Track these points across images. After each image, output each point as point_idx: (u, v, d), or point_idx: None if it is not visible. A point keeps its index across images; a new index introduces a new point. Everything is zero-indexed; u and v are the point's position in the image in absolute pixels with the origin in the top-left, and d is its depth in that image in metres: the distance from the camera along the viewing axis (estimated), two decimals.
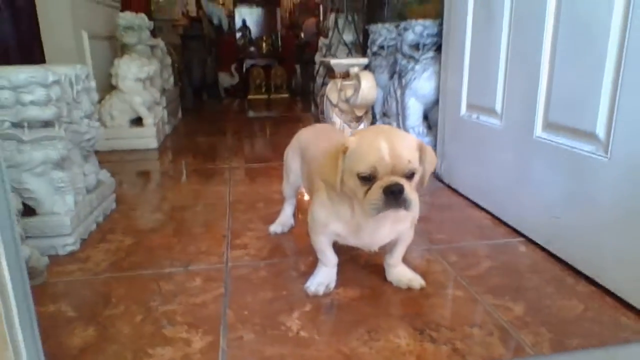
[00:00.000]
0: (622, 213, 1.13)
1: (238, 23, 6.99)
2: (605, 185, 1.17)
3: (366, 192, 0.99)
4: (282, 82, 6.33)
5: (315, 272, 1.26)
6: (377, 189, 0.97)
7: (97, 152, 2.82)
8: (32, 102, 1.33)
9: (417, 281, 1.23)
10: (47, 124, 1.40)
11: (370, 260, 1.39)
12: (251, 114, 4.93)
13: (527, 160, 1.49)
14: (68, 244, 1.46)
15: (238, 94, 6.34)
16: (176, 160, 2.79)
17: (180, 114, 4.21)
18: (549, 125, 1.39)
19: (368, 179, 0.99)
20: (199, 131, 3.76)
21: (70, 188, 1.47)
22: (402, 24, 2.28)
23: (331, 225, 1.14)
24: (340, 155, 1.02)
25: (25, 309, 0.68)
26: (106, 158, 2.73)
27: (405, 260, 1.31)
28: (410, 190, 0.98)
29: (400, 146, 0.99)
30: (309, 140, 1.39)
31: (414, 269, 1.29)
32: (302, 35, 6.82)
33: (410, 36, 2.20)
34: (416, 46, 2.21)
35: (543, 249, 1.43)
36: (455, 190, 2.01)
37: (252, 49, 6.76)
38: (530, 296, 1.18)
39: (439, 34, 2.12)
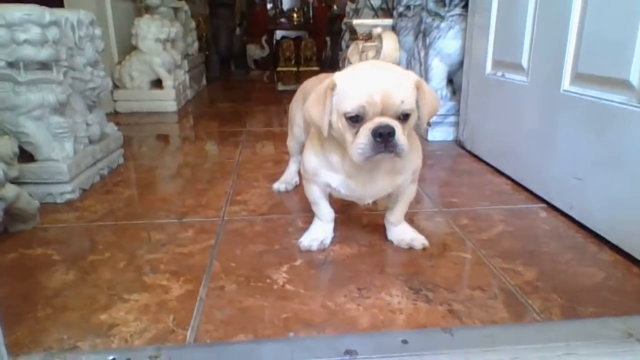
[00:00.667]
0: None
1: None
2: (636, 139, 1.03)
3: (355, 134, 0.90)
4: (312, 55, 6.20)
5: (310, 227, 1.18)
6: (364, 130, 0.88)
7: (116, 113, 2.83)
8: (27, 41, 1.29)
9: (419, 241, 1.13)
10: (44, 66, 1.36)
11: (373, 220, 1.30)
12: (280, 85, 4.86)
13: (552, 118, 1.35)
14: (66, 191, 1.43)
15: (268, 66, 6.26)
16: (193, 123, 2.75)
17: (204, 81, 4.17)
18: (577, 77, 1.25)
19: (356, 120, 0.89)
20: (222, 98, 3.71)
21: (69, 135, 1.44)
22: None
23: (322, 174, 1.06)
24: (329, 93, 0.92)
25: None
26: (124, 119, 2.72)
27: (410, 221, 1.22)
28: (402, 134, 0.88)
29: (392, 84, 0.89)
30: (311, 88, 1.30)
31: (420, 230, 1.19)
32: (335, 7, 6.64)
33: None
34: (442, 2, 2.06)
35: (566, 216, 1.30)
36: (477, 157, 1.88)
37: (283, 20, 6.63)
38: (544, 262, 1.07)
39: None
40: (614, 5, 1.11)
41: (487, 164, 1.78)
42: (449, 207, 1.40)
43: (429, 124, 2.13)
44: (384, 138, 0.87)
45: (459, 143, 2.05)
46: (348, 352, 0.75)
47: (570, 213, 1.27)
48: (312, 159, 1.06)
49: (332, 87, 0.92)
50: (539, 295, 0.94)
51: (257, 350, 0.76)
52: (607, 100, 1.13)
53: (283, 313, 0.89)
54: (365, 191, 1.05)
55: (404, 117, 0.90)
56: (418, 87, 0.93)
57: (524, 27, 1.50)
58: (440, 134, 2.14)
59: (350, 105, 0.88)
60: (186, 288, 0.98)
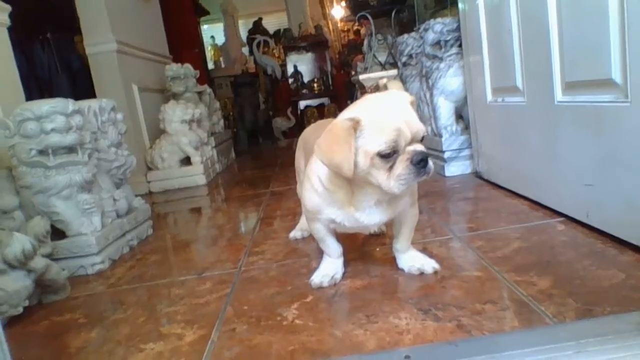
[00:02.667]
0: None
1: (290, 70, 7.26)
2: (631, 133, 1.02)
3: (389, 169, 0.92)
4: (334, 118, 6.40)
5: (320, 264, 1.19)
6: (402, 162, 0.91)
7: (150, 193, 2.99)
8: (54, 130, 1.43)
9: (429, 265, 1.12)
10: (70, 150, 1.49)
11: (385, 254, 1.30)
12: None
13: (552, 130, 1.35)
14: (96, 262, 1.51)
15: (295, 135, 6.50)
16: (221, 192, 2.86)
17: (233, 155, 4.36)
18: (567, 86, 1.26)
19: (390, 156, 0.91)
20: (249, 167, 3.86)
21: (96, 210, 1.55)
22: (422, 26, 2.23)
23: (325, 211, 1.08)
24: (352, 133, 0.91)
25: None
26: (157, 198, 2.87)
27: (424, 249, 1.22)
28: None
29: (409, 113, 0.93)
30: (309, 133, 1.37)
31: (432, 256, 1.17)
32: (352, 72, 6.94)
33: (430, 36, 2.14)
34: (438, 45, 2.14)
35: (584, 225, 1.26)
36: (495, 185, 1.86)
37: (305, 91, 6.96)
38: (561, 270, 1.03)
39: (459, 29, 2.05)
40: (585, 13, 1.15)
41: (506, 189, 1.76)
42: (464, 232, 1.38)
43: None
44: (422, 162, 0.91)
45: (477, 174, 2.04)
46: None
47: (587, 221, 1.23)
48: (314, 198, 1.09)
49: (356, 126, 0.91)
50: (553, 301, 0.90)
51: None
52: (597, 102, 1.14)
53: (290, 346, 0.89)
54: (370, 221, 1.06)
55: (422, 140, 0.94)
56: (412, 104, 0.97)
57: (513, 52, 1.55)
58: (456, 168, 2.15)
59: (384, 144, 0.89)
60: (199, 333, 1.00)
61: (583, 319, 0.81)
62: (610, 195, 1.14)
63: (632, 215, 1.07)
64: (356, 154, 0.92)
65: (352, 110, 0.95)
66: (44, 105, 1.45)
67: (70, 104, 1.49)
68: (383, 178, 0.93)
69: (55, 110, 1.45)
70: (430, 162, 0.93)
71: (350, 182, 1.00)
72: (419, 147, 0.92)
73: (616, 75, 1.05)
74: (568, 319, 0.83)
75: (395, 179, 0.92)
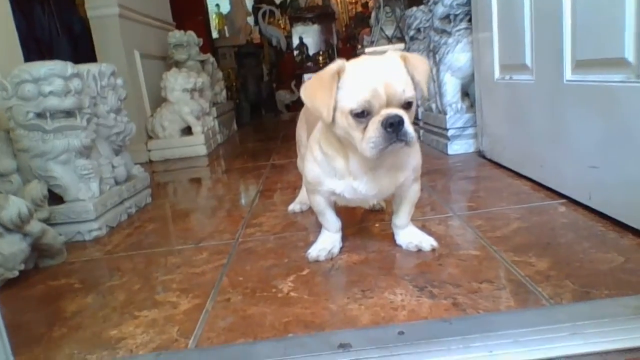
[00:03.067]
0: None
1: (295, 41, 7.14)
2: None
3: (363, 130, 0.91)
4: None
5: (318, 238, 1.19)
6: (374, 124, 0.89)
7: (151, 162, 2.98)
8: (52, 93, 1.41)
9: (427, 242, 1.11)
10: (68, 114, 1.47)
11: (383, 230, 1.29)
12: None
13: (560, 110, 1.32)
14: (93, 229, 1.51)
15: (299, 108, 6.44)
16: (221, 163, 2.85)
17: (235, 126, 4.33)
18: (577, 65, 1.23)
19: (363, 116, 0.90)
20: (251, 139, 3.84)
21: (94, 176, 1.53)
22: None
23: (325, 182, 1.07)
24: (336, 77, 0.91)
25: None
26: (158, 167, 2.86)
27: (422, 227, 1.21)
28: (409, 123, 0.89)
29: (392, 75, 0.90)
30: None
31: (431, 234, 1.17)
32: (359, 46, 6.83)
33: (440, 9, 2.09)
34: (447, 19, 2.09)
35: (586, 208, 1.24)
36: (498, 165, 1.83)
37: (309, 64, 6.85)
38: (560, 252, 1.02)
39: (469, 3, 1.99)
40: None
41: (508, 169, 1.74)
42: (463, 211, 1.37)
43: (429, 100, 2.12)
44: (394, 128, 0.88)
45: (480, 153, 2.01)
46: (342, 346, 0.74)
47: (589, 204, 1.22)
48: (315, 169, 1.08)
49: (339, 73, 0.91)
50: (550, 282, 0.89)
51: (251, 351, 0.77)
52: (607, 81, 1.10)
53: (284, 317, 0.89)
54: (369, 191, 1.04)
55: (407, 106, 0.91)
56: (404, 60, 0.94)
57: (524, 28, 1.50)
58: (460, 146, 2.12)
59: (356, 102, 0.89)
60: (194, 302, 1.00)
61: (580, 301, 0.81)
62: (614, 178, 1.12)
63: (635, 198, 1.05)
64: (335, 110, 0.92)
65: (345, 62, 0.94)
66: (42, 68, 1.42)
67: (69, 67, 1.46)
68: (358, 139, 0.92)
69: (53, 73, 1.42)
70: (408, 128, 0.89)
71: (344, 146, 0.99)
72: (394, 111, 0.88)
73: (629, 54, 1.02)
74: (565, 301, 0.82)
75: (366, 140, 0.90)
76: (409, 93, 0.91)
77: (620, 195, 1.10)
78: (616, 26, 1.05)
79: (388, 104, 0.90)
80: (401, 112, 0.89)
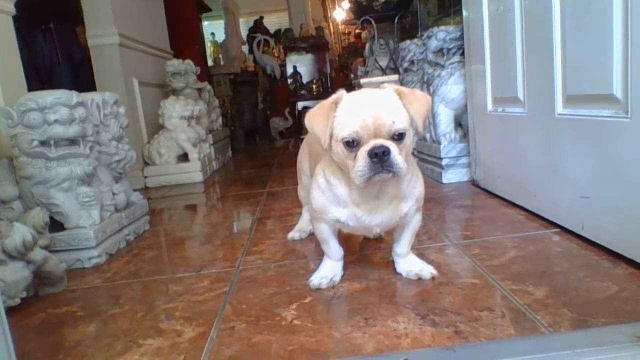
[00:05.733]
0: None
1: (289, 70, 7.27)
2: (630, 148, 1.05)
3: (354, 159, 0.95)
4: None
5: (319, 266, 1.21)
6: (361, 153, 0.93)
7: (147, 188, 2.99)
8: (57, 121, 1.43)
9: (427, 270, 1.14)
10: (72, 142, 1.49)
11: (383, 258, 1.31)
12: None
13: (552, 142, 1.37)
14: (93, 256, 1.51)
15: (292, 135, 6.50)
16: (217, 190, 2.87)
17: (230, 153, 4.36)
18: (568, 100, 1.29)
19: (353, 145, 0.94)
20: (246, 166, 3.87)
21: (95, 203, 1.55)
22: (425, 33, 2.25)
23: (330, 210, 1.09)
24: (333, 107, 0.97)
25: None
26: (154, 193, 2.87)
27: (421, 255, 1.23)
28: (398, 154, 0.93)
29: (382, 106, 0.95)
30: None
31: (430, 263, 1.19)
32: (352, 75, 6.96)
33: (433, 43, 2.16)
34: (440, 52, 2.16)
35: (579, 237, 1.28)
36: (492, 194, 1.88)
37: (303, 92, 6.96)
38: (556, 280, 1.05)
39: (462, 38, 2.07)
40: (589, 28, 1.17)
41: (502, 198, 1.78)
42: (460, 240, 1.40)
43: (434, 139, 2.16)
44: (379, 158, 0.91)
45: (474, 182, 2.06)
46: None
47: (582, 233, 1.26)
48: (319, 197, 1.11)
49: (337, 102, 0.97)
50: (549, 311, 0.92)
51: None
52: (597, 116, 1.16)
53: (289, 345, 0.90)
54: (372, 220, 1.06)
55: (398, 138, 0.94)
56: (400, 95, 0.98)
57: (515, 63, 1.57)
58: (454, 175, 2.17)
59: (346, 131, 0.94)
60: (198, 331, 1.01)
61: (578, 329, 0.83)
62: (605, 209, 1.16)
63: (626, 229, 1.09)
64: (331, 137, 0.98)
65: (345, 93, 1.00)
66: (48, 97, 1.45)
67: (74, 96, 1.49)
68: (350, 167, 0.96)
69: (59, 102, 1.45)
70: (394, 159, 0.92)
71: (345, 176, 1.03)
72: (380, 142, 0.92)
73: (617, 91, 1.08)
74: (563, 329, 0.85)
75: (354, 169, 0.94)
76: (399, 125, 0.94)
77: (612, 225, 1.14)
78: (604, 63, 1.11)
79: (376, 135, 0.94)
80: (388, 143, 0.93)
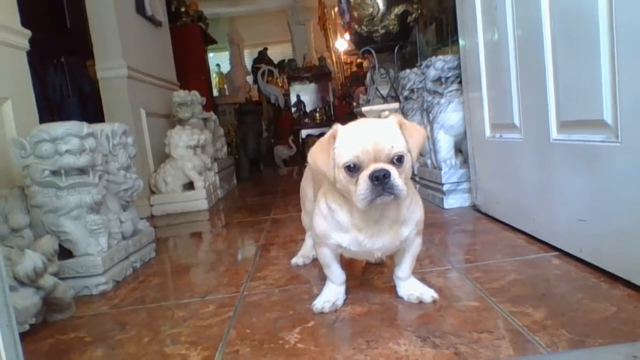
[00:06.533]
0: None
1: (293, 99, 7.40)
2: (622, 171, 1.08)
3: (355, 183, 0.98)
4: None
5: (322, 290, 1.23)
6: (362, 177, 0.96)
7: (153, 217, 3.03)
8: (68, 151, 1.48)
9: (428, 294, 1.16)
10: (82, 171, 1.54)
11: (385, 282, 1.33)
12: None
13: (548, 166, 1.41)
14: (100, 283, 1.54)
15: (296, 163, 6.57)
16: (222, 217, 2.90)
17: (235, 181, 4.42)
18: (562, 125, 1.33)
19: (354, 170, 0.98)
20: (251, 194, 3.91)
21: (103, 231, 1.58)
22: (424, 62, 2.32)
23: (332, 235, 1.12)
24: (331, 141, 1.01)
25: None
26: (160, 222, 2.91)
27: (422, 279, 1.25)
28: (398, 177, 0.96)
29: (381, 132, 0.99)
30: None
31: (431, 286, 1.21)
32: (354, 103, 7.08)
33: (432, 72, 2.23)
34: (439, 81, 2.22)
35: (578, 260, 1.30)
36: (493, 218, 1.90)
37: (306, 120, 7.07)
38: (555, 302, 1.07)
39: (459, 67, 2.13)
40: (579, 56, 1.22)
41: (502, 222, 1.80)
42: (461, 264, 1.42)
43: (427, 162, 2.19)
44: (380, 181, 0.94)
45: (475, 207, 2.09)
46: None
47: (581, 256, 1.28)
48: (322, 223, 1.14)
49: (335, 136, 1.02)
50: (547, 332, 0.94)
51: None
52: (590, 141, 1.20)
53: None
54: (374, 244, 1.09)
55: (398, 161, 0.98)
56: (401, 126, 1.02)
57: (511, 90, 1.62)
58: (455, 201, 2.19)
59: (347, 157, 0.98)
60: (204, 355, 1.02)
61: (575, 349, 0.85)
62: (602, 231, 1.18)
63: (622, 250, 1.11)
64: (334, 167, 1.01)
65: (341, 126, 1.04)
66: (60, 128, 1.50)
67: (85, 127, 1.55)
68: (352, 192, 0.99)
69: (70, 133, 1.50)
70: (395, 182, 0.95)
71: (347, 200, 1.06)
72: (380, 165, 0.96)
73: (607, 117, 1.12)
74: (561, 349, 0.86)
75: (356, 193, 0.97)
76: (398, 149, 0.98)
77: (608, 247, 1.16)
78: (594, 90, 1.15)
79: (376, 159, 0.97)
80: (388, 167, 0.96)
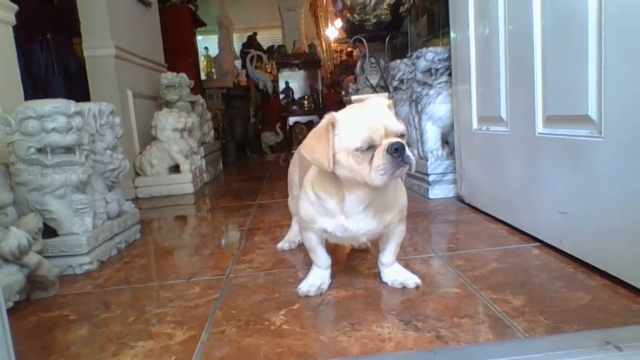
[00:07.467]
0: (623, 192, 1.06)
1: (281, 85, 7.36)
2: (604, 166, 1.11)
3: (369, 162, 0.98)
4: None
5: (308, 274, 1.24)
6: (379, 153, 0.97)
7: (137, 199, 3.01)
8: (54, 129, 1.47)
9: (412, 280, 1.18)
10: (68, 150, 1.53)
11: (369, 268, 1.35)
12: None
13: (533, 160, 1.44)
14: (84, 263, 1.53)
15: (282, 150, 6.57)
16: (208, 201, 2.90)
17: (221, 166, 4.40)
18: (548, 120, 1.35)
19: (367, 150, 0.98)
20: (237, 179, 3.90)
21: (89, 210, 1.57)
22: (415, 53, 2.33)
23: (318, 220, 1.14)
24: (330, 129, 1.01)
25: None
26: (144, 204, 2.89)
27: (406, 266, 1.27)
28: (408, 148, 0.99)
29: (382, 112, 1.02)
30: None
31: (414, 273, 1.23)
32: (343, 92, 7.07)
33: (422, 63, 2.24)
34: (429, 72, 2.24)
35: (558, 251, 1.33)
36: (476, 209, 1.94)
37: (294, 107, 7.04)
38: (534, 290, 1.10)
39: (450, 59, 2.15)
40: (567, 53, 1.24)
41: (486, 214, 1.83)
42: (445, 252, 1.45)
43: None
44: (399, 152, 0.97)
45: (459, 198, 2.12)
46: None
47: (561, 247, 1.31)
48: (308, 208, 1.15)
49: (333, 124, 1.01)
50: (525, 318, 0.97)
51: None
52: (575, 135, 1.22)
53: (278, 348, 0.93)
54: (359, 230, 1.11)
55: (401, 137, 1.00)
56: (389, 107, 1.06)
57: (499, 84, 1.64)
58: (440, 191, 2.22)
59: (360, 140, 0.97)
60: (189, 334, 1.04)
61: (552, 334, 0.88)
62: (582, 224, 1.22)
63: (600, 243, 1.15)
64: (338, 153, 1.01)
65: (335, 113, 1.04)
66: (47, 105, 1.48)
67: (72, 105, 1.53)
68: (366, 171, 0.99)
69: (57, 111, 1.48)
70: (410, 153, 0.98)
71: (341, 187, 1.07)
72: (395, 139, 0.98)
73: (592, 112, 1.14)
74: (538, 334, 0.89)
75: (375, 170, 0.98)
76: (401, 126, 1.01)
77: (587, 239, 1.20)
78: (581, 86, 1.18)
79: (387, 136, 0.99)
80: (400, 140, 0.99)
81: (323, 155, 1.01)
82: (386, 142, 0.98)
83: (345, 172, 1.02)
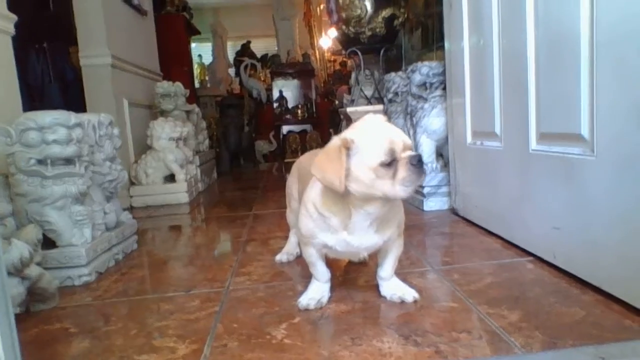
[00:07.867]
0: (615, 209, 1.09)
1: (275, 94, 7.39)
2: (596, 184, 1.15)
3: (392, 176, 1.00)
4: (317, 145, 6.52)
5: (307, 287, 1.26)
6: (402, 166, 1.00)
7: (132, 208, 3.00)
8: (55, 141, 1.48)
9: (410, 294, 1.21)
10: (68, 161, 1.53)
11: (368, 281, 1.37)
12: (287, 175, 5.08)
13: (526, 175, 1.47)
14: (83, 274, 1.54)
15: (276, 159, 6.58)
16: (203, 211, 2.90)
17: (215, 175, 4.41)
18: (541, 137, 1.39)
19: (390, 164, 1.00)
20: (231, 188, 3.91)
21: (88, 222, 1.58)
22: (410, 67, 2.37)
23: (319, 235, 1.16)
24: (343, 150, 1.02)
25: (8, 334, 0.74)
26: (140, 213, 2.89)
27: (404, 280, 1.29)
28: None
29: (392, 128, 1.05)
30: (304, 161, 1.44)
31: (412, 286, 1.26)
32: (336, 101, 7.11)
33: (417, 77, 2.28)
34: (424, 86, 2.28)
35: (551, 265, 1.37)
36: (470, 222, 1.97)
37: (288, 116, 7.07)
38: (529, 305, 1.13)
39: (444, 74, 2.19)
40: (560, 71, 1.28)
41: (480, 227, 1.87)
42: (440, 266, 1.47)
43: None
44: (421, 163, 1.00)
45: (453, 211, 2.15)
46: None
47: (554, 262, 1.34)
48: (309, 223, 1.17)
49: (347, 146, 1.02)
50: (522, 333, 0.99)
51: None
52: (567, 153, 1.26)
53: None
54: (361, 245, 1.13)
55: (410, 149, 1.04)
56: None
57: (493, 99, 1.68)
58: (435, 204, 2.26)
59: (384, 154, 0.99)
60: (192, 348, 1.05)
61: (548, 349, 0.91)
62: (575, 239, 1.25)
63: (593, 258, 1.18)
64: (356, 171, 1.02)
65: (350, 133, 1.05)
66: (47, 117, 1.49)
67: (72, 117, 1.54)
68: (388, 186, 1.00)
69: (57, 122, 1.49)
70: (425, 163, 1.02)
71: (347, 204, 1.08)
72: (413, 152, 1.02)
73: (584, 131, 1.18)
74: (535, 350, 0.92)
75: (400, 183, 1.00)
76: (409, 139, 1.05)
77: (580, 254, 1.23)
78: (574, 105, 1.21)
79: (404, 149, 1.02)
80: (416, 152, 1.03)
81: (335, 175, 1.02)
82: (405, 154, 1.01)
83: (362, 189, 1.03)
